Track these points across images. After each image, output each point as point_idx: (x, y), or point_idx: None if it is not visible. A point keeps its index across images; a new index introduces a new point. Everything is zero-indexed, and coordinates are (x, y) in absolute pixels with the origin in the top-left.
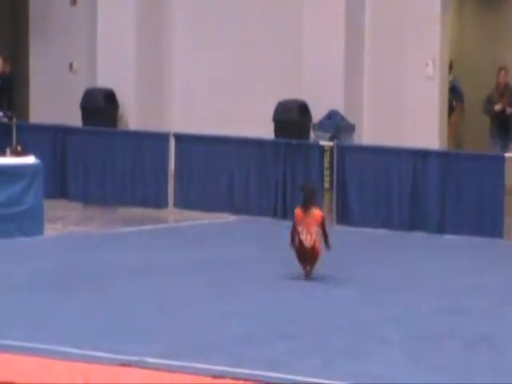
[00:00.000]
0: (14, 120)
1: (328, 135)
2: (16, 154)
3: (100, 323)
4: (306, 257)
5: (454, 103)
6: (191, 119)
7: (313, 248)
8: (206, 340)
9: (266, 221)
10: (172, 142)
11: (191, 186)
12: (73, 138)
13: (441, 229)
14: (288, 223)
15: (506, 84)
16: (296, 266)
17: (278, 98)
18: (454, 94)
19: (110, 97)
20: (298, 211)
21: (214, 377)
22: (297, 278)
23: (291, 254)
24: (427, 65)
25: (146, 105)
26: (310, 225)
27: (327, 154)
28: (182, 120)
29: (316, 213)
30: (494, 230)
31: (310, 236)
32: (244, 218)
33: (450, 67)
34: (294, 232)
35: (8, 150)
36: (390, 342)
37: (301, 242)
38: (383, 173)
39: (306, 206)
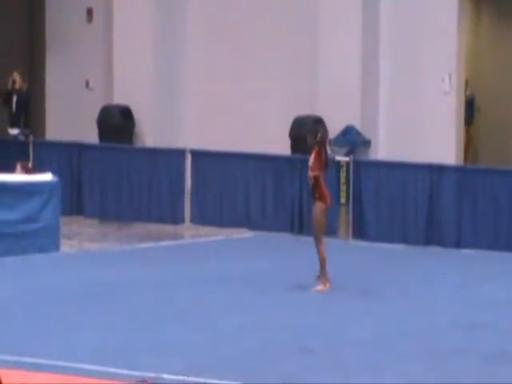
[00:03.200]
0: (31, 137)
1: (344, 150)
2: (26, 170)
3: (117, 339)
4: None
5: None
6: (207, 135)
7: None
8: (223, 354)
9: (283, 236)
10: (188, 159)
11: (207, 202)
12: (89, 154)
13: (457, 243)
14: (305, 238)
15: None
16: (312, 281)
17: (294, 114)
18: (471, 108)
19: (126, 114)
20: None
21: None
22: (314, 293)
23: (308, 269)
24: (443, 80)
25: (163, 121)
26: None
27: (343, 169)
28: (198, 136)
29: None
30: (510, 243)
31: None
32: (261, 233)
33: (466, 84)
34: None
35: (18, 166)
36: (407, 355)
37: (325, 185)
38: (399, 188)
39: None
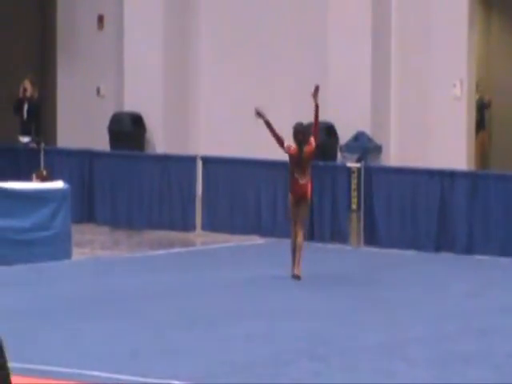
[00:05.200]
0: (42, 144)
1: (355, 156)
2: (42, 178)
3: (128, 346)
4: (299, 197)
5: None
6: (218, 142)
7: (306, 187)
8: (234, 361)
9: None
10: (199, 165)
11: (218, 209)
12: (100, 162)
13: (468, 249)
14: (315, 245)
15: None
16: (322, 288)
17: (305, 120)
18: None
19: (137, 121)
20: (294, 148)
21: None
22: (324, 300)
23: (319, 275)
24: (455, 85)
25: (173, 128)
26: (305, 167)
27: (354, 175)
28: (209, 143)
29: (309, 146)
30: None
31: (304, 176)
32: (271, 240)
33: (477, 89)
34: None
35: (34, 175)
36: (417, 362)
37: (296, 179)
38: (410, 194)
39: (301, 144)
